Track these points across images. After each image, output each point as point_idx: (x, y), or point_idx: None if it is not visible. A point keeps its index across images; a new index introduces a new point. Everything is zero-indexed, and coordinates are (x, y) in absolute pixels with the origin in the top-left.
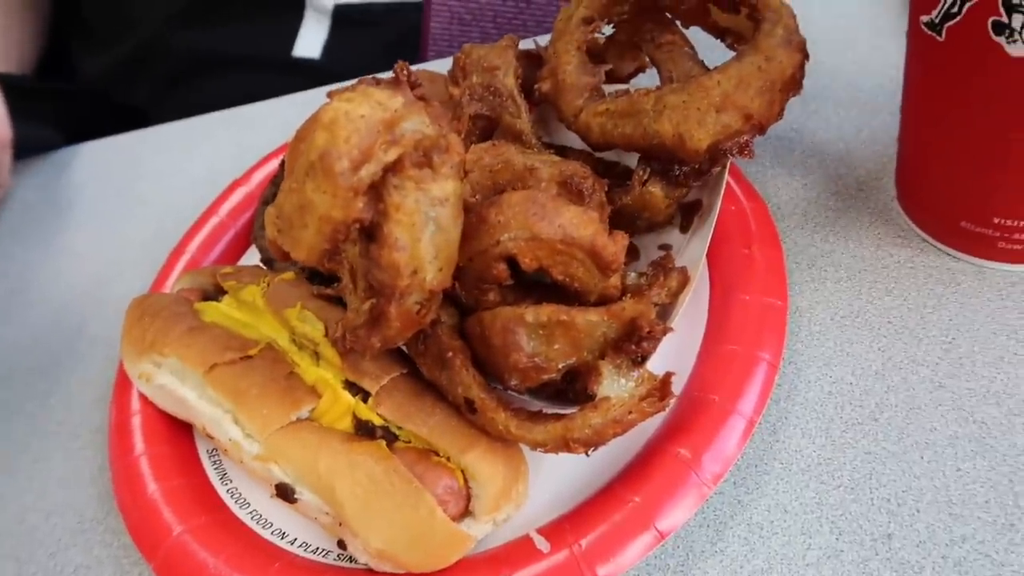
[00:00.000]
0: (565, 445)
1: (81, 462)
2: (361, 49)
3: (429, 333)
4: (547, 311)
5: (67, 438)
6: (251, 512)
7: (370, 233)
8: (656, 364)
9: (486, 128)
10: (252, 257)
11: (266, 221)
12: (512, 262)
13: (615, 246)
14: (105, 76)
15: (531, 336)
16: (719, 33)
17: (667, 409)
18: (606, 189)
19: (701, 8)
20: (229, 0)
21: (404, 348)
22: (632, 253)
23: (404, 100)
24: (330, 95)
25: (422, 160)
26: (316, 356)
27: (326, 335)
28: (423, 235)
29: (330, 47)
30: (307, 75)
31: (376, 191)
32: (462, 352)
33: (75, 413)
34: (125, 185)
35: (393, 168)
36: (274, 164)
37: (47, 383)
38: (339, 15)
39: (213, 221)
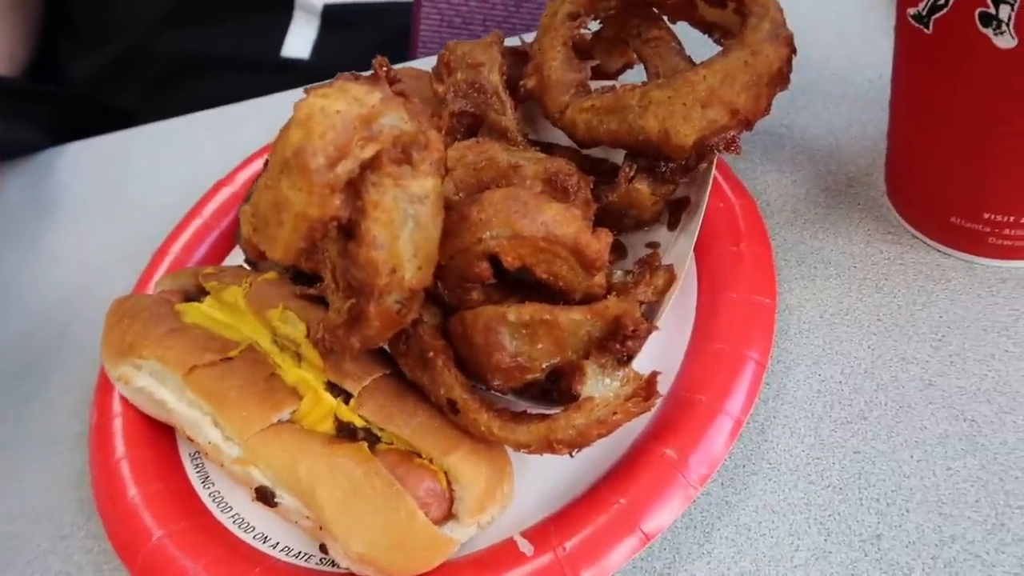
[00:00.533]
0: (548, 446)
1: (62, 466)
2: (351, 49)
3: (411, 333)
4: (529, 310)
5: (49, 442)
6: (233, 516)
7: (348, 231)
8: (642, 363)
9: (471, 125)
10: (236, 258)
11: (241, 219)
12: (495, 260)
13: (599, 244)
14: (93, 78)
15: (514, 335)
16: (706, 28)
17: (653, 409)
18: (592, 186)
19: (688, 3)
20: (217, 1)
21: (387, 348)
22: (619, 251)
23: (382, 96)
24: (307, 91)
25: (401, 157)
26: (298, 357)
27: (308, 336)
28: (402, 233)
29: (319, 47)
30: (296, 75)
31: (354, 188)
32: (444, 352)
33: (57, 416)
34: (110, 186)
35: (371, 165)
36: (259, 164)
37: (29, 386)
38: (328, 15)
39: (197, 222)
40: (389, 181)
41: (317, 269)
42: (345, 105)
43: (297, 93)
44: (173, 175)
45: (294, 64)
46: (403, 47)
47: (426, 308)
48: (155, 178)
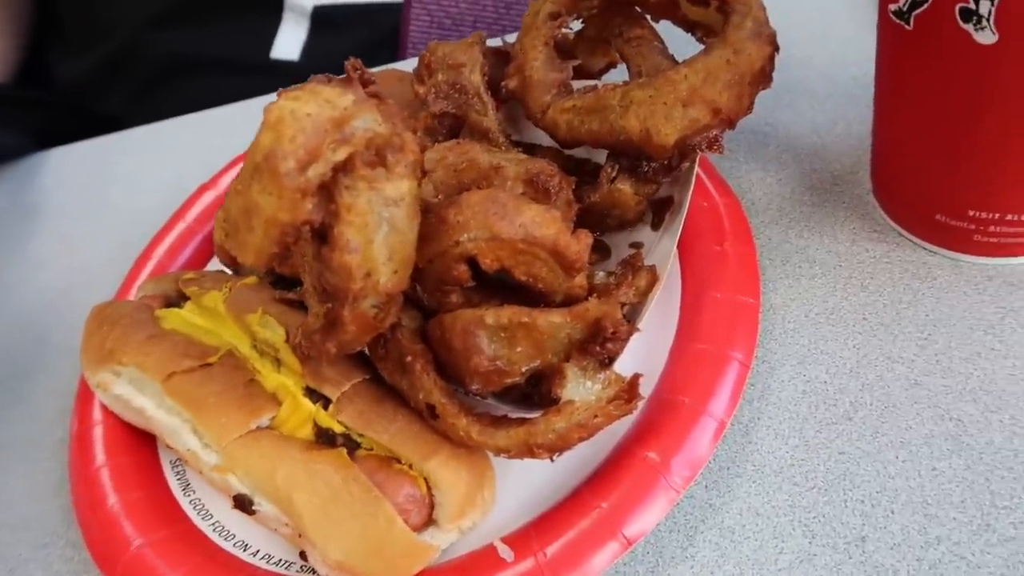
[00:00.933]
0: (528, 451)
1: (44, 474)
2: (340, 50)
3: (389, 337)
4: (508, 313)
5: (31, 448)
6: (213, 524)
7: (322, 235)
8: (625, 365)
9: (453, 126)
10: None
11: (214, 225)
12: (473, 263)
13: (578, 245)
14: (82, 80)
15: (492, 339)
16: (689, 27)
17: (635, 412)
18: (574, 187)
19: (671, 1)
20: (206, 2)
21: (367, 352)
22: (603, 252)
23: (354, 98)
24: (278, 94)
25: (374, 159)
26: (277, 363)
27: (287, 341)
28: (376, 236)
29: (309, 48)
30: (286, 77)
31: (327, 192)
32: (422, 356)
33: (39, 423)
34: (95, 190)
35: (344, 168)
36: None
37: (11, 393)
38: (318, 16)
39: (180, 226)
40: (363, 184)
41: (296, 273)
42: (316, 108)
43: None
44: (159, 179)
45: (284, 66)
46: (393, 48)
47: (405, 312)
48: (141, 182)
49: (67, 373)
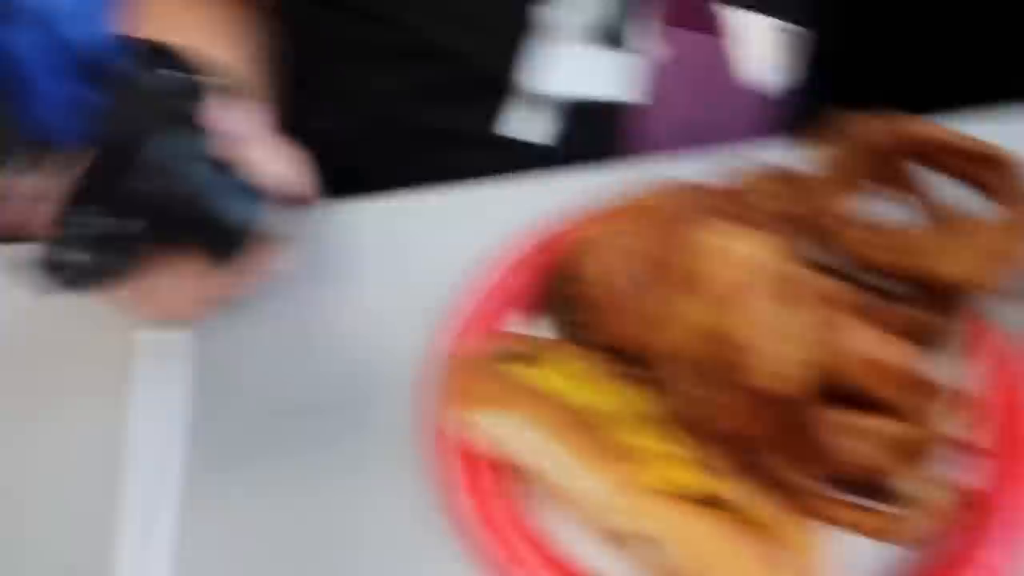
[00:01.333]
0: (883, 534)
1: (412, 496)
2: (576, 140)
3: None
4: (865, 421)
5: (389, 471)
6: (582, 555)
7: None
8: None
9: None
10: (526, 326)
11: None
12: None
13: (922, 368)
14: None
15: (845, 437)
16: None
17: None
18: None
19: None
20: (442, 79)
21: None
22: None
23: (774, 242)
24: (703, 230)
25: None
26: (642, 427)
27: (654, 411)
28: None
29: (547, 134)
30: (516, 154)
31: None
32: (776, 443)
33: (388, 447)
34: (393, 249)
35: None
36: (539, 240)
37: (351, 419)
38: (553, 105)
39: (494, 289)
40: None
41: (634, 350)
42: (750, 249)
43: (538, 178)
44: (446, 245)
45: (514, 144)
46: (623, 147)
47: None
48: (427, 247)
49: (398, 405)
